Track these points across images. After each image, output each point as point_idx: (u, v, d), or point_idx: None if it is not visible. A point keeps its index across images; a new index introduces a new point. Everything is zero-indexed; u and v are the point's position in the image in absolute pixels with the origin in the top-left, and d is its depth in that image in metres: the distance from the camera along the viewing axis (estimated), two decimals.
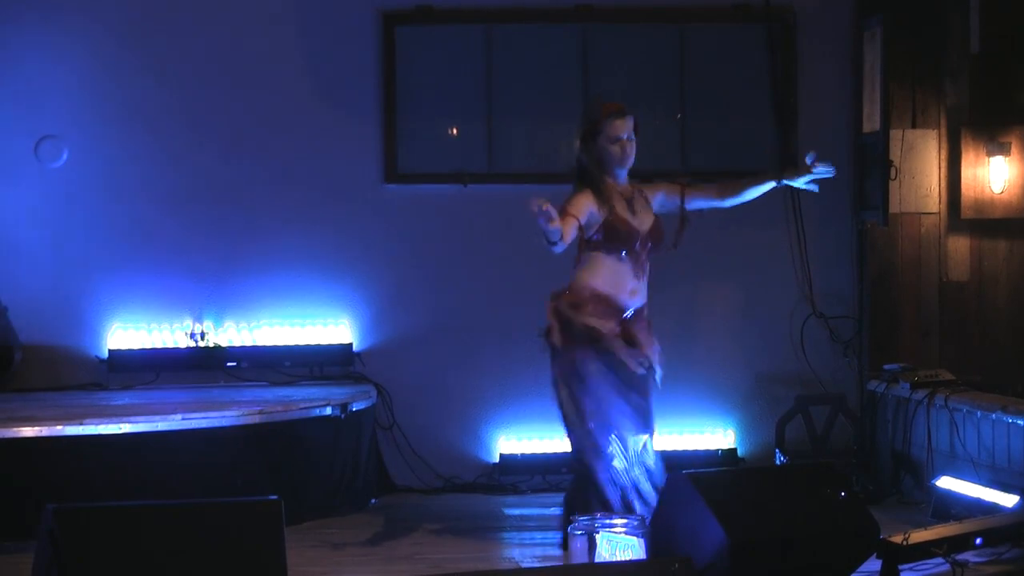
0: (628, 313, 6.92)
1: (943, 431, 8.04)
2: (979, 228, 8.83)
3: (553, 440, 9.02)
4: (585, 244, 6.87)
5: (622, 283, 6.91)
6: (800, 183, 7.16)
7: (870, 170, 8.88)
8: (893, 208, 8.74)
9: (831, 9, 9.15)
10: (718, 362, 9.15)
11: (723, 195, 7.23)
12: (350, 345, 9.08)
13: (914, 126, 8.85)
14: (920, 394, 8.21)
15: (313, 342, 9.06)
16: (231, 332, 9.05)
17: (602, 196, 6.87)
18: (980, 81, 8.69)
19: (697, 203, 7.18)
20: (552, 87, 9.20)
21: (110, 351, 9.00)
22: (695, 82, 9.23)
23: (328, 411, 8.13)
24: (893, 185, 8.71)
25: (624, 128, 6.93)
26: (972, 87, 8.71)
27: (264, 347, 9.03)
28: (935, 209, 8.88)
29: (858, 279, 9.12)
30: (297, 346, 9.04)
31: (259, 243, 9.08)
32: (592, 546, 6.18)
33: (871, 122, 8.83)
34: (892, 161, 8.70)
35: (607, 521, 6.30)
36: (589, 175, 6.92)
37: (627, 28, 9.21)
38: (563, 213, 6.70)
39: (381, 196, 9.10)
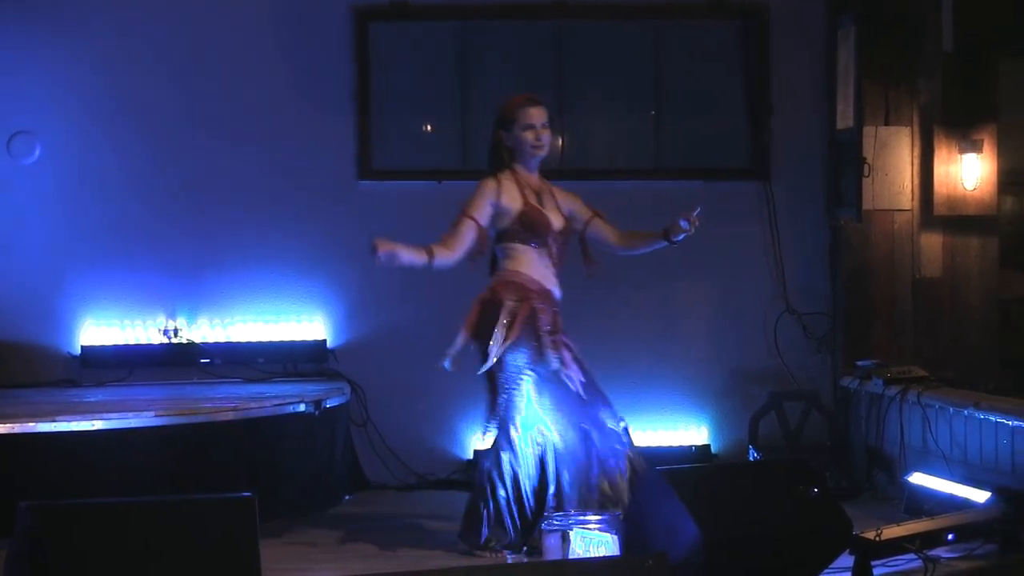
0: (556, 306, 6.97)
1: (916, 427, 8.07)
2: (952, 225, 8.86)
3: None
4: (500, 235, 6.91)
5: (546, 272, 6.97)
6: (680, 239, 7.08)
7: (844, 167, 8.90)
8: (867, 205, 8.76)
9: (805, 6, 9.17)
10: (692, 358, 9.16)
11: (622, 243, 7.23)
12: (324, 342, 9.07)
13: (887, 123, 8.87)
14: (893, 390, 8.23)
15: (287, 339, 9.05)
16: (204, 329, 9.04)
17: (511, 184, 6.92)
18: (953, 79, 8.72)
19: (596, 236, 7.19)
20: (527, 84, 9.17)
21: (83, 348, 8.97)
22: (669, 79, 9.24)
23: (302, 408, 8.12)
24: (867, 182, 8.74)
25: (538, 116, 6.99)
26: (945, 84, 8.73)
27: (238, 344, 9.02)
28: (908, 206, 8.91)
29: (832, 276, 9.14)
30: (271, 343, 9.03)
31: (233, 239, 9.06)
32: (566, 542, 6.19)
33: (845, 119, 8.85)
34: (866, 158, 8.72)
35: (581, 517, 6.31)
36: (500, 163, 6.97)
37: (601, 25, 9.22)
38: (459, 216, 6.78)
39: (356, 193, 9.09)
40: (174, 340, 8.99)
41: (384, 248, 6.61)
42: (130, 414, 7.60)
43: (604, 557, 6.07)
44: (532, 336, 6.86)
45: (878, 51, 8.81)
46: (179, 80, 9.01)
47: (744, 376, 9.15)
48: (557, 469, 6.89)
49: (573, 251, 7.19)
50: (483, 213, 6.87)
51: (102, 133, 9.00)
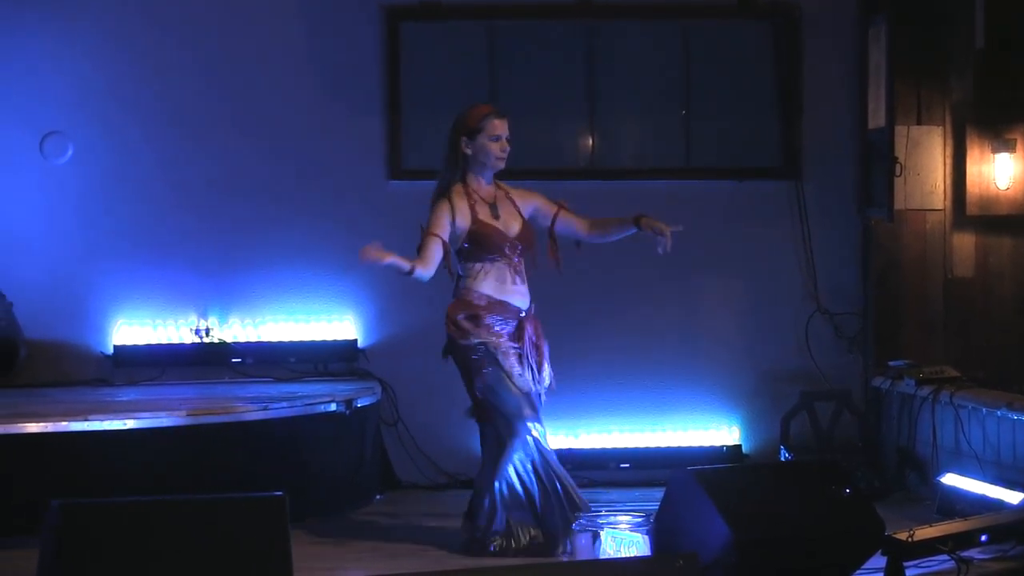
0: (523, 312, 7.02)
1: (948, 428, 8.04)
2: (984, 225, 8.82)
3: (558, 436, 9.01)
4: (459, 254, 7.00)
5: (506, 286, 7.01)
6: (650, 231, 7.07)
7: (875, 166, 8.87)
8: (898, 204, 8.73)
9: (836, 5, 9.14)
10: (723, 358, 9.14)
11: (591, 231, 7.24)
12: (355, 341, 9.08)
13: (919, 123, 8.84)
14: (925, 391, 8.20)
15: (318, 338, 9.06)
16: (236, 328, 9.06)
17: (462, 202, 6.96)
18: (985, 77, 8.68)
19: (565, 229, 7.21)
20: (556, 83, 9.20)
21: (115, 347, 9.01)
22: (700, 78, 9.22)
23: (333, 407, 8.13)
24: (898, 182, 8.71)
25: (503, 128, 7.04)
26: (977, 83, 8.70)
27: (269, 343, 9.04)
28: (940, 206, 8.87)
29: (863, 275, 9.11)
30: (302, 342, 9.04)
31: (264, 239, 9.08)
32: (597, 542, 6.19)
33: (876, 118, 8.82)
34: (897, 158, 8.69)
35: (612, 518, 6.31)
36: (449, 180, 7.02)
37: (631, 24, 9.20)
38: (425, 235, 6.90)
39: (386, 193, 9.10)
40: (206, 340, 9.01)
41: (370, 257, 6.74)
42: (162, 413, 7.62)
43: (635, 557, 6.07)
44: (486, 337, 6.96)
45: (910, 49, 8.78)
46: (210, 80, 9.03)
47: (775, 376, 9.13)
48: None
49: (570, 254, 7.24)
50: (445, 231, 6.98)
51: (134, 133, 9.02)
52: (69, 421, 7.40)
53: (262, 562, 5.21)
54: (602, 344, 9.07)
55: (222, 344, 9.02)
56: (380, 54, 9.11)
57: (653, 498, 7.02)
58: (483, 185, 7.08)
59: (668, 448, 9.03)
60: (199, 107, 9.03)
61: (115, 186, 9.02)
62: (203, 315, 9.07)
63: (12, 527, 7.12)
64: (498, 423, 6.99)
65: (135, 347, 9.01)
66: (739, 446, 9.12)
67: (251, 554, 5.21)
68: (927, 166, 8.83)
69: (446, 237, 6.97)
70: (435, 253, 6.92)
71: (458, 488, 8.87)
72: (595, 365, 9.01)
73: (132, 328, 9.03)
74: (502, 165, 7.09)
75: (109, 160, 9.03)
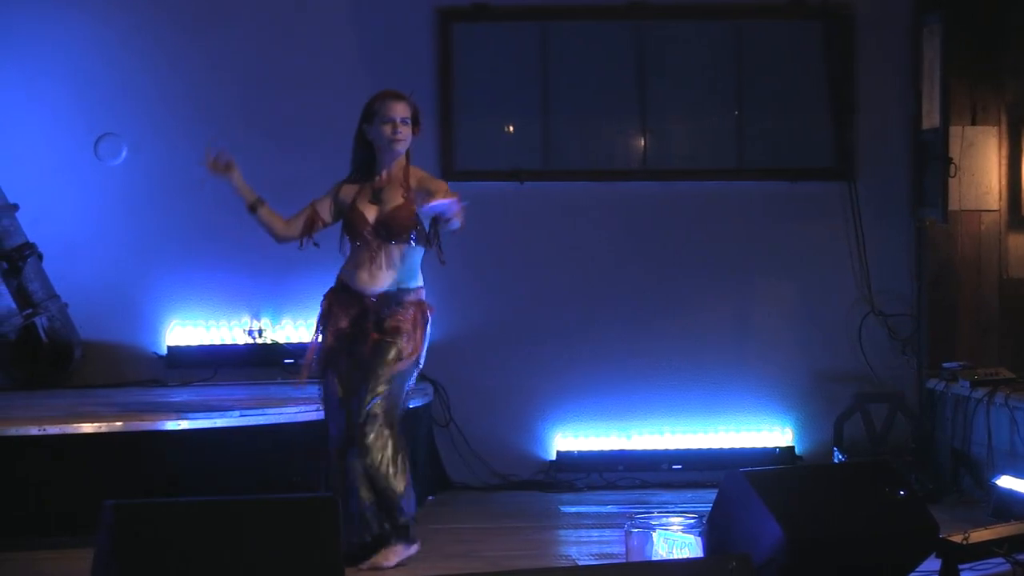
0: (370, 299, 6.85)
1: (1003, 429, 7.98)
2: None
3: (610, 438, 9.02)
4: (341, 239, 6.98)
5: (359, 271, 6.89)
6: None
7: (929, 167, 8.82)
8: (952, 205, 8.68)
9: (889, 4, 9.10)
10: (776, 360, 9.11)
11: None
12: None
13: (974, 123, 8.79)
14: (980, 392, 8.15)
15: None
16: (288, 329, 9.09)
17: (351, 187, 6.92)
18: None
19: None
20: (607, 84, 9.19)
21: (169, 347, 9.06)
22: (752, 79, 9.20)
23: None
24: (953, 182, 8.66)
25: (397, 110, 6.85)
26: None
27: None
28: (995, 206, 8.82)
29: (917, 277, 9.07)
30: None
31: (316, 240, 9.08)
32: (649, 544, 6.17)
33: (930, 119, 8.77)
34: (951, 158, 8.64)
35: (664, 519, 6.29)
36: (357, 156, 6.95)
37: (683, 24, 9.19)
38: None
39: None
40: (258, 340, 9.05)
41: (215, 169, 6.78)
42: (215, 414, 7.65)
43: (688, 559, 6.04)
44: (325, 329, 6.93)
45: (964, 50, 8.73)
46: (262, 83, 9.07)
47: (828, 378, 9.09)
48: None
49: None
50: (323, 205, 6.96)
51: (187, 135, 9.04)
52: (123, 422, 7.44)
53: (313, 563, 5.23)
54: (655, 345, 9.06)
55: (275, 345, 9.06)
56: (432, 56, 9.12)
57: (705, 499, 7.01)
58: (385, 171, 6.92)
59: (721, 449, 9.01)
60: (251, 111, 9.06)
61: (168, 187, 9.07)
62: (256, 316, 9.11)
63: (66, 527, 7.16)
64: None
65: (188, 348, 9.06)
66: (792, 448, 9.09)
67: (302, 555, 5.22)
68: (982, 167, 8.78)
69: (323, 212, 6.92)
70: (296, 216, 6.92)
71: (510, 489, 8.89)
72: (647, 366, 9.00)
73: (185, 329, 9.08)
74: (399, 147, 6.85)
75: (162, 162, 9.07)
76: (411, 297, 6.90)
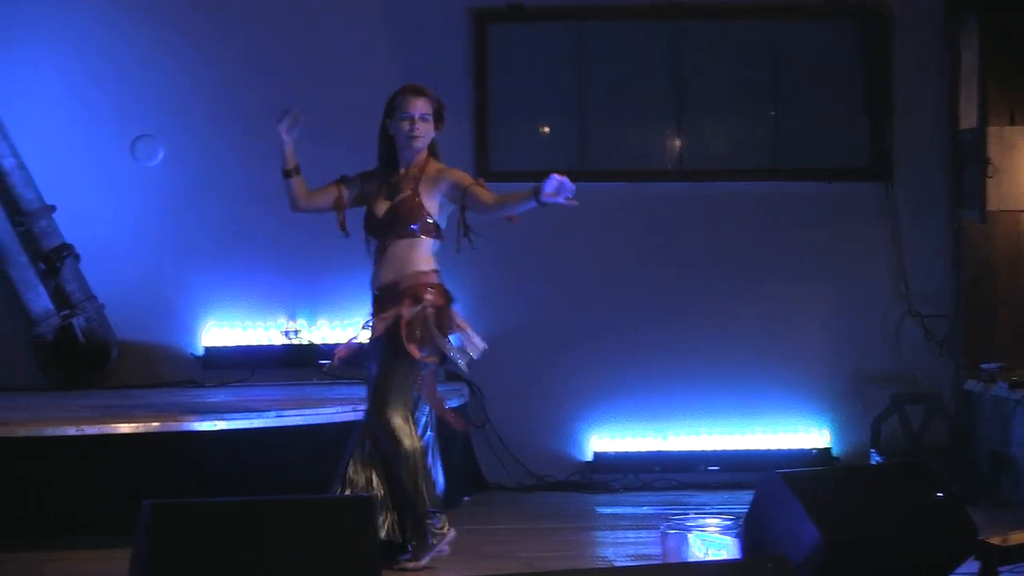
0: (376, 292, 6.93)
1: None
2: None
3: (647, 439, 9.01)
4: None
5: (374, 266, 6.97)
6: (550, 201, 6.74)
7: (967, 168, 8.79)
8: (991, 205, 8.65)
9: (926, 5, 9.07)
10: (812, 361, 9.09)
11: (495, 204, 6.88)
12: None
13: (1012, 123, 8.74)
14: (1018, 393, 8.12)
15: None
16: (324, 330, 9.11)
17: (369, 184, 6.96)
18: None
19: (473, 205, 6.89)
20: (642, 85, 9.18)
21: (205, 348, 9.09)
22: (788, 79, 9.18)
23: None
24: (991, 182, 8.62)
25: (416, 106, 6.87)
26: None
27: (357, 345, 9.06)
28: None
29: (954, 277, 9.03)
30: None
31: (352, 242, 9.09)
32: (686, 545, 6.16)
33: (968, 119, 8.74)
34: (990, 158, 8.61)
35: (701, 521, 6.28)
36: (381, 152, 6.98)
37: (719, 25, 9.18)
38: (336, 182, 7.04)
39: None
40: (295, 341, 9.07)
41: (282, 125, 6.96)
42: (252, 414, 7.67)
43: (726, 560, 6.03)
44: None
45: (1002, 50, 8.69)
46: (297, 84, 9.08)
47: (865, 379, 9.06)
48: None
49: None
50: (351, 183, 7.02)
51: (223, 136, 9.10)
52: (161, 422, 7.46)
53: (351, 563, 5.24)
54: (691, 346, 9.04)
55: (311, 345, 9.07)
56: (467, 57, 9.13)
57: (742, 501, 6.99)
58: (404, 166, 6.93)
59: (757, 451, 8.99)
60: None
61: (205, 188, 9.10)
62: (292, 317, 9.13)
63: (104, 527, 7.18)
64: None
65: (225, 348, 9.08)
66: (829, 449, 9.06)
67: (340, 555, 5.23)
68: (1020, 167, 8.73)
69: (345, 190, 6.99)
70: (322, 189, 7.03)
71: (546, 490, 8.89)
72: (684, 367, 8.99)
73: (222, 329, 9.11)
74: (417, 144, 6.87)
75: (199, 163, 9.11)
76: (407, 283, 6.85)
